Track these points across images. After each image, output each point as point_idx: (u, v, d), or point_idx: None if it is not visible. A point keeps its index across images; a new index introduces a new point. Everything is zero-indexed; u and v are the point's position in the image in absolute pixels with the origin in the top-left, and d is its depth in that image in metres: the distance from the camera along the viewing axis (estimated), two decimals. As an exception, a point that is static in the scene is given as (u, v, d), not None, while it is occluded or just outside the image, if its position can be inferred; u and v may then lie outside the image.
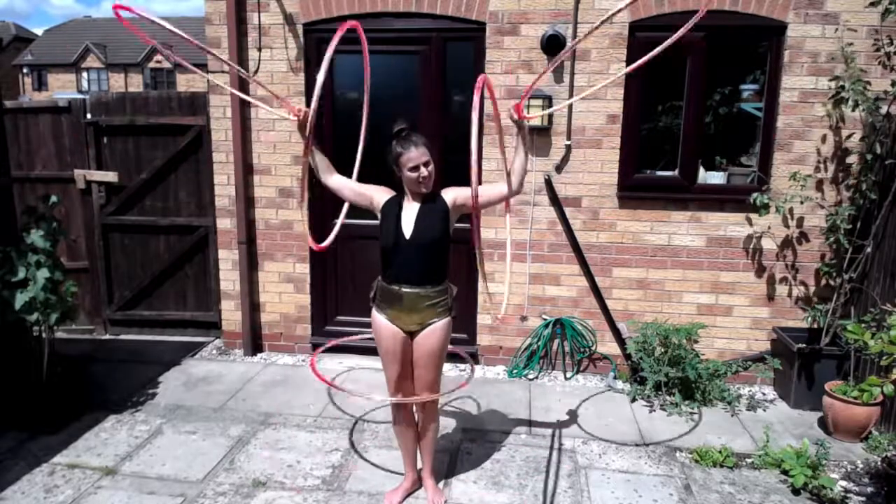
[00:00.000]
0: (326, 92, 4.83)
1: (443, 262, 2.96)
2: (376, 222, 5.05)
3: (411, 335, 2.99)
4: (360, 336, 4.00)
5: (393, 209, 2.95)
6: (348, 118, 4.91)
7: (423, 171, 2.85)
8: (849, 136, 4.27)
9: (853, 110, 4.05)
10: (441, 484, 3.31)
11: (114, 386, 4.47)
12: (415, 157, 2.84)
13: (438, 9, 4.53)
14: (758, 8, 4.24)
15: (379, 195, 3.01)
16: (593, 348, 4.82)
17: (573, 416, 4.15)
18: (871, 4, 4.01)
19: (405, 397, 3.06)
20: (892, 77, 4.02)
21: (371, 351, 5.10)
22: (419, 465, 3.25)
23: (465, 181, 2.96)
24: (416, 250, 2.87)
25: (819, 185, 4.41)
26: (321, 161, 3.00)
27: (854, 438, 3.84)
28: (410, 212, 2.92)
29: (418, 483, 3.25)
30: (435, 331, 2.95)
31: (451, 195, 2.95)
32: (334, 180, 3.02)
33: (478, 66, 4.61)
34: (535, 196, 4.64)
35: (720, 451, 3.59)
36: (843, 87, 4.03)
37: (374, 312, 3.02)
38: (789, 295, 4.59)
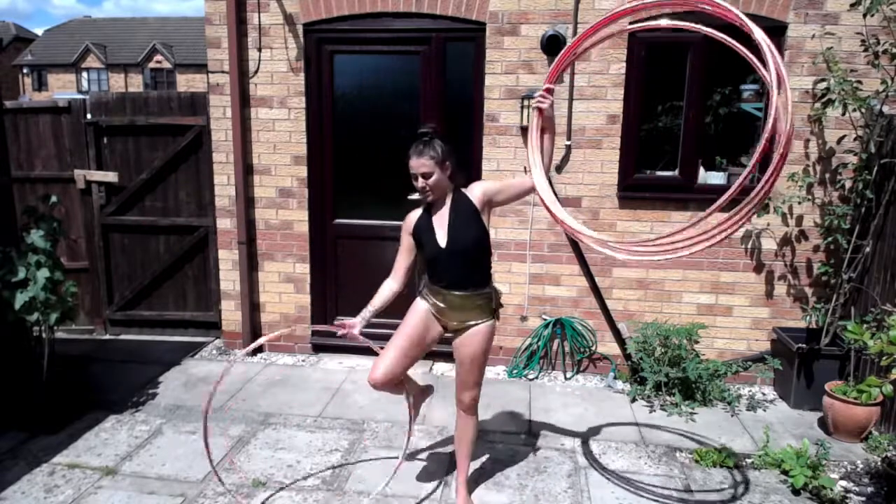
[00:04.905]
0: (326, 92, 4.84)
1: (483, 263, 2.93)
2: (377, 222, 5.11)
3: (451, 333, 2.99)
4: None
5: (425, 225, 2.91)
6: (348, 118, 4.92)
7: (420, 182, 2.81)
8: (842, 137, 4.26)
9: (843, 113, 4.05)
10: (443, 488, 3.31)
11: (114, 386, 4.47)
12: (413, 165, 2.81)
13: (438, 9, 4.53)
14: (758, 8, 4.24)
15: (409, 226, 2.97)
16: (593, 348, 4.82)
17: (573, 416, 4.15)
18: (853, 6, 4.02)
19: (385, 370, 2.91)
20: (882, 76, 4.02)
21: (372, 351, 5.11)
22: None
23: (462, 180, 2.99)
24: (454, 257, 2.84)
25: (817, 185, 4.41)
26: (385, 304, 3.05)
27: (854, 438, 3.83)
28: (441, 219, 2.87)
29: (424, 394, 3.36)
30: (477, 333, 2.91)
31: (479, 192, 2.89)
32: (399, 287, 3.05)
33: (478, 66, 4.62)
34: (535, 196, 4.63)
35: (720, 451, 3.59)
36: (828, 90, 4.04)
37: (418, 299, 3.03)
38: (789, 295, 4.59)
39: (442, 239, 2.85)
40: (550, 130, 2.88)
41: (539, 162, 2.86)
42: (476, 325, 2.92)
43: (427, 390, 3.39)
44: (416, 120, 4.66)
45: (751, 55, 2.39)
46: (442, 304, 2.92)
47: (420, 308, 3.00)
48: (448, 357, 3.69)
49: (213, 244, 5.25)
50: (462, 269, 2.86)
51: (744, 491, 3.33)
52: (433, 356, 4.85)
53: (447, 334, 3.03)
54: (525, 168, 4.60)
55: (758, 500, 3.25)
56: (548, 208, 2.80)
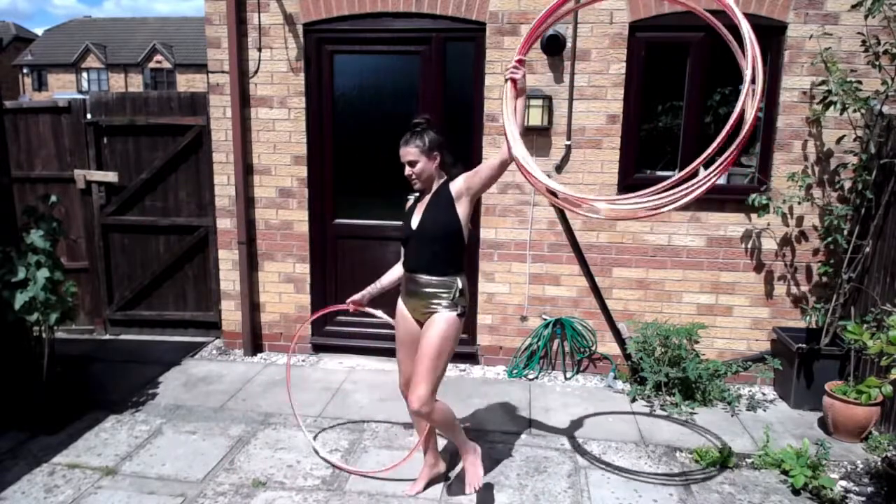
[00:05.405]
0: (326, 92, 4.84)
1: (451, 252, 2.95)
2: (377, 222, 5.12)
3: (421, 324, 3.03)
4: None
5: (410, 209, 3.09)
6: (348, 117, 4.92)
7: (406, 170, 2.95)
8: (842, 137, 4.26)
9: (842, 113, 4.05)
10: (444, 486, 3.31)
11: (114, 386, 4.48)
12: (401, 153, 2.95)
13: (438, 9, 4.53)
14: (758, 8, 4.24)
15: (406, 208, 3.15)
16: (593, 348, 4.82)
17: (573, 415, 4.15)
18: (854, 6, 4.02)
19: (403, 379, 3.15)
20: (883, 77, 4.01)
21: (372, 351, 5.13)
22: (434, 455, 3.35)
23: (458, 175, 3.04)
24: (422, 240, 2.94)
25: (817, 185, 4.41)
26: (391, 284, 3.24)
27: (854, 438, 3.84)
28: (421, 205, 3.01)
29: (436, 467, 3.33)
30: (435, 322, 2.92)
31: (459, 181, 2.94)
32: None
33: (478, 66, 4.62)
34: (535, 196, 4.65)
35: (720, 451, 3.59)
36: (829, 91, 4.04)
37: (399, 300, 3.14)
38: (789, 295, 4.59)
39: (415, 222, 2.97)
40: (522, 99, 2.91)
41: (517, 134, 2.85)
42: (437, 312, 2.93)
43: (436, 463, 3.35)
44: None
45: (728, 34, 2.52)
46: (407, 294, 3.03)
47: (399, 311, 3.11)
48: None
49: (213, 244, 5.25)
50: (429, 253, 2.93)
51: (744, 491, 3.33)
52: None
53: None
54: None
55: (758, 500, 3.25)
56: (520, 166, 2.81)
